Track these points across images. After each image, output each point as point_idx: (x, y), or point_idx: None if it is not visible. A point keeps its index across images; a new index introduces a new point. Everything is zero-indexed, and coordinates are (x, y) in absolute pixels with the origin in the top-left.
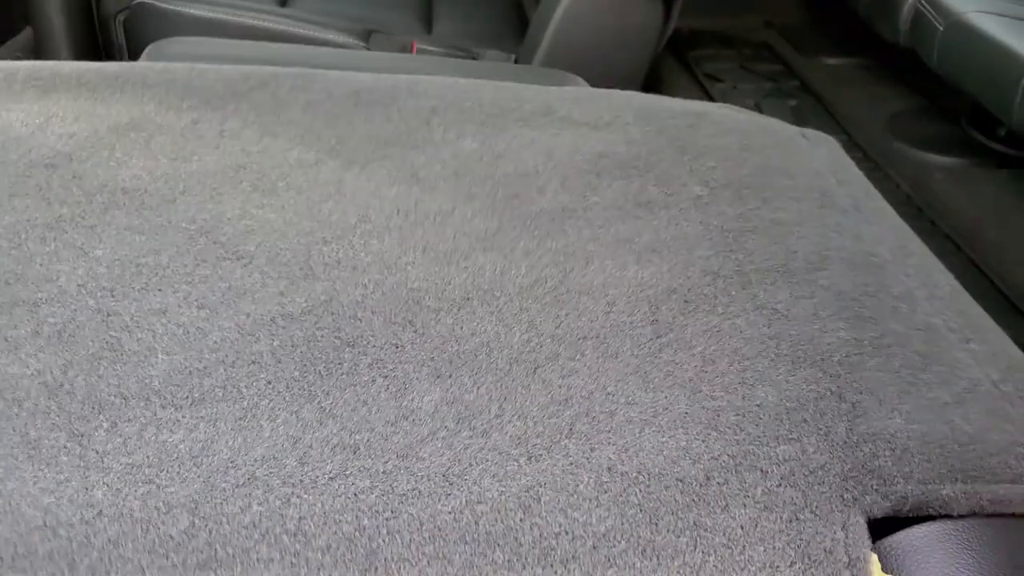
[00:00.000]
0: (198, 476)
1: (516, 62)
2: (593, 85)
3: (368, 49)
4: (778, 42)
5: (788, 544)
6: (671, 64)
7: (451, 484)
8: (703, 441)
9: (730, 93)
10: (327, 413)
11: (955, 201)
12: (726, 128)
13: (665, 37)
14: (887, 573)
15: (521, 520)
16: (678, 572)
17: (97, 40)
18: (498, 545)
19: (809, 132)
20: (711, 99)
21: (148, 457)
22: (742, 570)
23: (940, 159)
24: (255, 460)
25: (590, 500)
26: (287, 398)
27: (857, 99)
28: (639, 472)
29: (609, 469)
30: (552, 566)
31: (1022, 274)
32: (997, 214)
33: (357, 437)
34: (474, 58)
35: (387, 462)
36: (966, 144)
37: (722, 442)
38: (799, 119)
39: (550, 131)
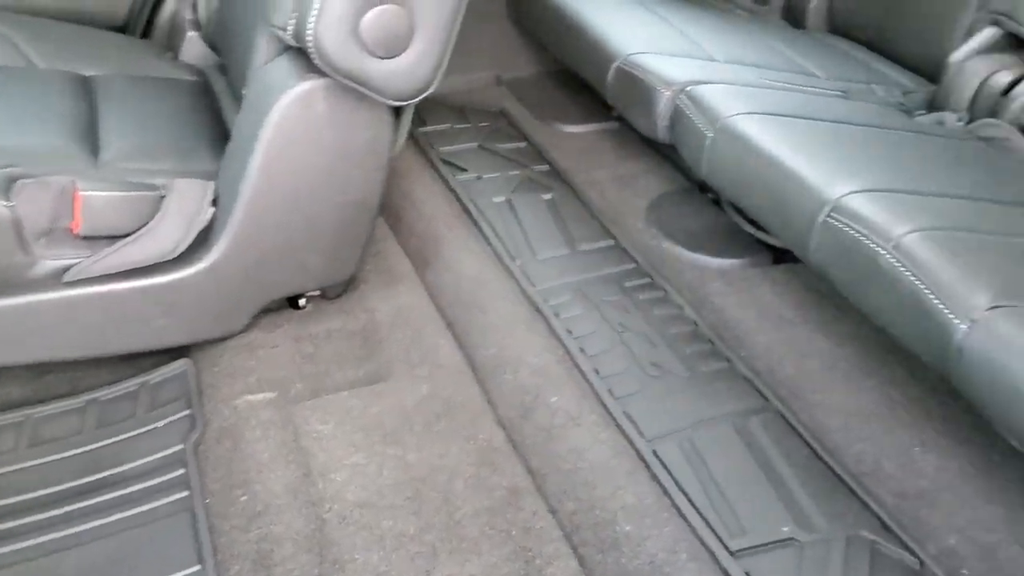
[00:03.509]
0: None
1: (217, 193)
2: (328, 209)
3: (10, 207)
4: (513, 106)
5: None
6: (405, 151)
7: None
8: None
9: (475, 186)
10: None
11: (743, 323)
12: None
13: (398, 146)
14: None
15: None
16: None
17: None
18: None
19: None
20: (455, 196)
21: None
22: None
23: (714, 261)
24: None
25: None
26: None
27: (611, 183)
28: None
29: None
30: None
31: (821, 417)
32: (785, 335)
33: None
34: (161, 195)
35: None
36: (737, 237)
37: None
38: (556, 215)
39: None
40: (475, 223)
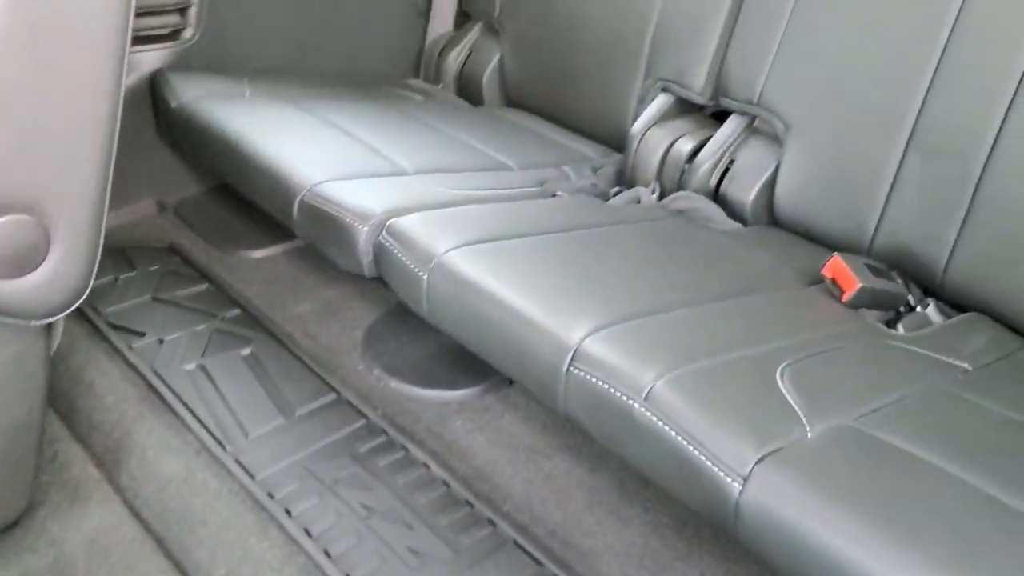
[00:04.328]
0: None
1: None
2: None
3: None
4: (185, 237)
5: None
6: (68, 322)
7: None
8: None
9: (158, 353)
10: None
11: (496, 466)
12: None
13: (55, 346)
14: None
15: None
16: None
17: None
18: None
19: None
20: (136, 371)
21: None
22: None
23: (449, 394)
24: None
25: None
26: None
27: (317, 317)
28: None
29: None
30: None
31: (597, 566)
32: (540, 470)
33: None
34: None
35: None
36: (467, 358)
37: None
38: (261, 374)
39: None
40: (168, 405)
